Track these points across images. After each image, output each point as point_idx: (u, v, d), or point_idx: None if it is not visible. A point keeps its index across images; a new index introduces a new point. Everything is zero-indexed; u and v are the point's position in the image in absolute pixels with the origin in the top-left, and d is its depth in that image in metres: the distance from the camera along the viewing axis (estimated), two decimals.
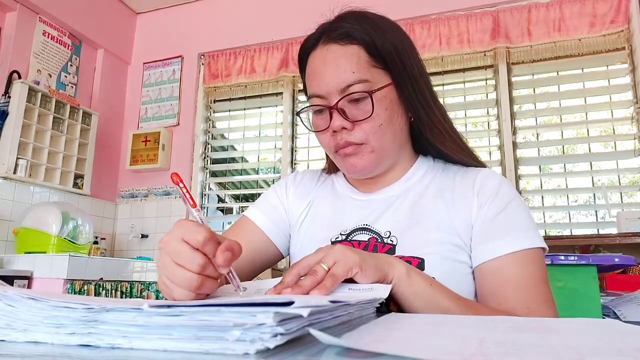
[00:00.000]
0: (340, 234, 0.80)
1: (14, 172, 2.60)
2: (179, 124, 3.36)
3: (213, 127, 3.44)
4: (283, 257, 0.91)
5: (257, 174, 3.37)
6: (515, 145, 2.63)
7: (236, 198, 3.76)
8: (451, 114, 2.09)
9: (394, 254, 0.74)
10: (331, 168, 0.93)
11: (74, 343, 0.35)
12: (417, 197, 0.80)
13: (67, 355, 0.32)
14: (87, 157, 3.06)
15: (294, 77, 3.15)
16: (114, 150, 3.45)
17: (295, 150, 3.15)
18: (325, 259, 0.55)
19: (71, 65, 3.15)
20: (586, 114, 2.63)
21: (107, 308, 0.35)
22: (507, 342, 0.33)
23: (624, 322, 0.66)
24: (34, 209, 2.59)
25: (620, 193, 2.60)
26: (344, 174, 0.90)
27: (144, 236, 3.27)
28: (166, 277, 0.49)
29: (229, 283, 0.55)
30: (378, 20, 0.78)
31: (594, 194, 2.67)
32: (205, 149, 3.36)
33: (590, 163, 2.59)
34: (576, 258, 1.20)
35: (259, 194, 3.32)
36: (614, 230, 2.30)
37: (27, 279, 2.23)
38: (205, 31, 3.42)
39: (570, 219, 2.75)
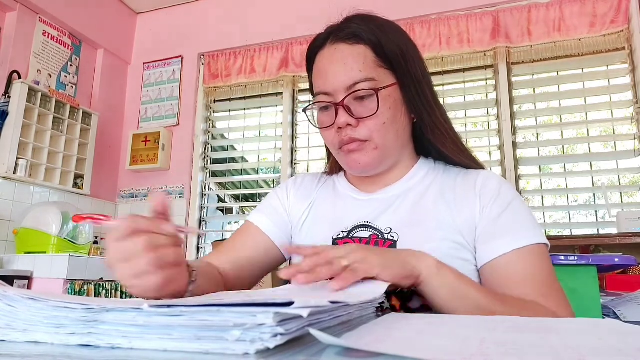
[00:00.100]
0: (342, 232, 0.81)
1: (14, 172, 2.60)
2: (179, 124, 3.35)
3: (213, 127, 3.44)
4: (285, 261, 0.92)
5: (257, 174, 3.37)
6: (515, 145, 2.63)
7: (236, 198, 3.76)
8: (451, 114, 2.11)
9: None
10: (333, 168, 0.94)
11: (74, 343, 0.35)
12: (418, 197, 0.81)
13: (67, 355, 0.32)
14: (87, 157, 3.06)
15: (294, 77, 3.15)
16: (114, 150, 3.45)
17: (295, 150, 3.14)
18: (347, 257, 0.56)
19: (71, 65, 3.15)
20: (586, 114, 2.63)
21: (107, 308, 0.35)
22: (507, 342, 0.33)
23: (624, 322, 0.66)
24: (34, 209, 2.59)
25: (620, 193, 2.60)
26: (345, 174, 0.92)
27: None
28: (130, 277, 0.51)
29: (182, 232, 0.56)
30: (384, 23, 0.81)
31: (594, 194, 2.67)
32: (205, 149, 3.36)
33: (590, 163, 2.59)
34: (576, 258, 1.20)
35: (259, 194, 3.37)
36: (614, 230, 2.30)
37: (27, 279, 2.23)
38: (205, 31, 3.42)
39: (570, 219, 2.75)
